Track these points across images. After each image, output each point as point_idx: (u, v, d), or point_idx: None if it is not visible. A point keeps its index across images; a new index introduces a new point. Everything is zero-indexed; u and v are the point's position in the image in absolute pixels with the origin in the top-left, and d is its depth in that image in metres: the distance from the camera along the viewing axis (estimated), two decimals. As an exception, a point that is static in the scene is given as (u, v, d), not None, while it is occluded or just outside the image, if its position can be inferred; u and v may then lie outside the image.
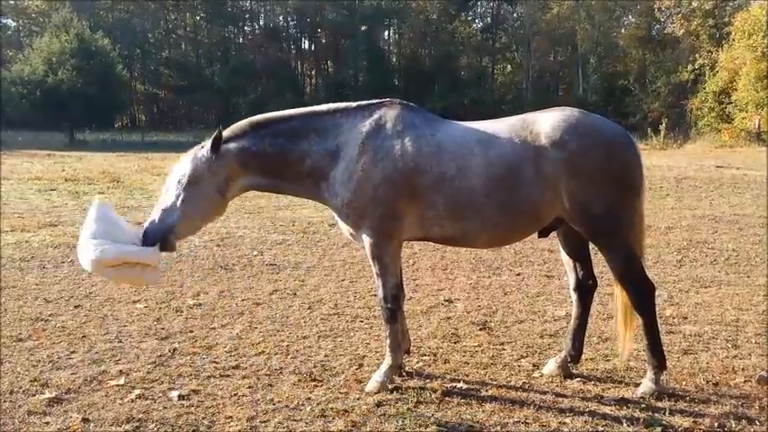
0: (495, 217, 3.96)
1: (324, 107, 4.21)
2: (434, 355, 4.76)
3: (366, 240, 4.07)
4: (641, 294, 4.03)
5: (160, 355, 4.69)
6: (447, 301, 6.16)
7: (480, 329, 5.30)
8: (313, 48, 58.28)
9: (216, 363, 4.58)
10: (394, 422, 3.71)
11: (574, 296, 4.39)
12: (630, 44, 49.65)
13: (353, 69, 53.82)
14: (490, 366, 4.53)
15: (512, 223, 4.03)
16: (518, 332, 5.23)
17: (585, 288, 4.36)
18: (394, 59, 56.52)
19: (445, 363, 4.56)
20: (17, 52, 43.33)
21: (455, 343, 5.00)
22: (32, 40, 43.09)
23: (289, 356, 4.71)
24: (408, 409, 3.89)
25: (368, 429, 3.63)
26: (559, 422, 3.71)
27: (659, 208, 11.86)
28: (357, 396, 4.06)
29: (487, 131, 4.04)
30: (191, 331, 5.22)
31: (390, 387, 4.11)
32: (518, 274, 7.12)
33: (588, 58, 49.63)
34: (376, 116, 4.08)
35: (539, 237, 4.31)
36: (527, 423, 3.70)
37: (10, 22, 54.18)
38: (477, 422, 3.71)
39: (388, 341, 4.21)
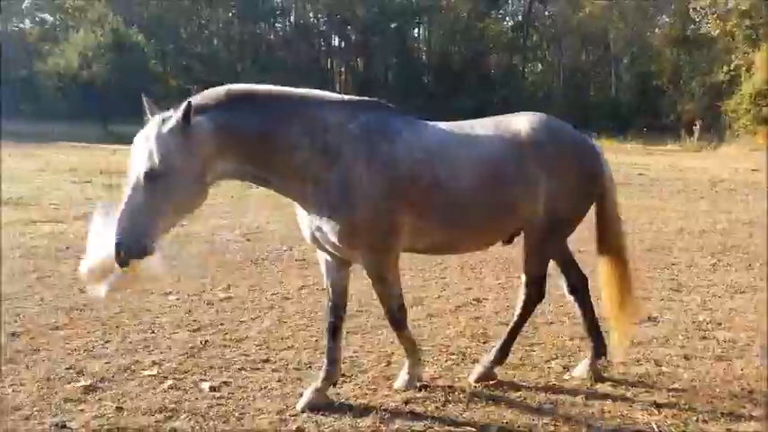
0: (482, 219, 3.91)
1: (307, 93, 3.69)
2: (463, 355, 4.75)
3: (365, 259, 3.75)
4: (536, 299, 4.26)
5: (192, 347, 4.76)
6: (475, 300, 6.13)
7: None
8: (343, 45, 58.39)
9: (246, 355, 4.63)
10: (422, 421, 3.72)
11: (571, 298, 4.45)
12: (664, 44, 48.79)
13: (383, 67, 53.83)
14: (519, 367, 4.51)
15: (496, 225, 4.02)
16: (547, 334, 5.19)
17: (579, 287, 4.42)
18: (424, 57, 56.37)
19: (474, 362, 4.54)
20: (53, 46, 44.13)
21: (484, 343, 4.98)
22: (68, 35, 43.90)
23: (317, 352, 4.74)
24: (437, 407, 3.89)
25: (396, 427, 3.64)
26: (589, 425, 3.67)
27: (693, 211, 11.67)
28: (385, 393, 4.08)
29: (466, 132, 3.98)
30: (221, 324, 5.28)
31: (418, 385, 4.10)
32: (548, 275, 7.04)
33: (621, 58, 48.95)
34: (363, 118, 3.67)
35: (504, 244, 4.31)
36: (556, 425, 3.68)
37: (47, 17, 55.26)
38: (506, 423, 3.70)
39: (406, 346, 4.11)
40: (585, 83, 53.76)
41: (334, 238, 3.63)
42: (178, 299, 5.94)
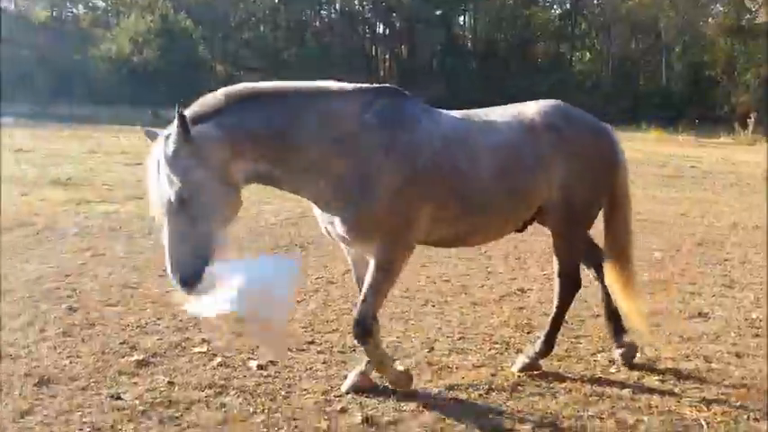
0: (500, 207, 3.83)
1: (320, 83, 3.53)
2: (507, 344, 4.73)
3: (379, 251, 3.55)
4: (571, 288, 4.24)
5: (239, 327, 4.85)
6: (520, 290, 6.09)
7: (554, 321, 5.22)
8: (387, 32, 58.22)
9: (291, 337, 4.71)
10: (464, 407, 3.73)
11: (600, 285, 4.48)
12: (718, 33, 47.22)
13: (428, 54, 53.48)
14: (565, 359, 4.47)
15: (514, 212, 3.95)
16: (594, 326, 5.13)
17: (599, 266, 4.41)
18: (469, 45, 55.81)
19: (518, 352, 4.52)
20: (105, 31, 45.18)
21: (528, 333, 4.96)
22: (120, 20, 44.90)
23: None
24: (479, 395, 3.90)
25: (438, 412, 3.66)
26: (636, 419, 3.63)
27: (747, 205, 11.33)
28: (428, 379, 4.10)
29: (482, 119, 3.92)
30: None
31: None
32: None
33: (672, 47, 47.59)
34: (379, 107, 3.51)
35: (517, 231, 4.26)
36: (602, 418, 3.65)
37: (99, 3, 56.55)
38: (550, 413, 3.68)
39: (371, 362, 3.82)
40: (635, 72, 52.43)
41: (348, 231, 3.49)
42: (226, 280, 6.06)
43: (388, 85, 3.70)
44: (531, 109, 4.01)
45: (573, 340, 4.81)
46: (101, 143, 18.84)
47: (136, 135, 22.37)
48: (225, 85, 3.37)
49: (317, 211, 3.71)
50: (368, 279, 3.61)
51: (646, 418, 3.64)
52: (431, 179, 3.54)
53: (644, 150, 21.24)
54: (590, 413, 3.69)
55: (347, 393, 3.84)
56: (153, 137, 3.22)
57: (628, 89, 46.51)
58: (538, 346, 4.26)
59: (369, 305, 3.60)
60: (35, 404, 3.59)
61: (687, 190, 13.03)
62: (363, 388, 3.89)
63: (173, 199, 3.04)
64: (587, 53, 56.01)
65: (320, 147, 3.35)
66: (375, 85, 3.63)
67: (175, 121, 3.03)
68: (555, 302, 4.27)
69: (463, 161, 3.66)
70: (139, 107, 34.54)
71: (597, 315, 5.39)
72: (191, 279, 3.09)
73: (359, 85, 3.56)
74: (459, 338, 4.81)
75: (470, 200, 3.70)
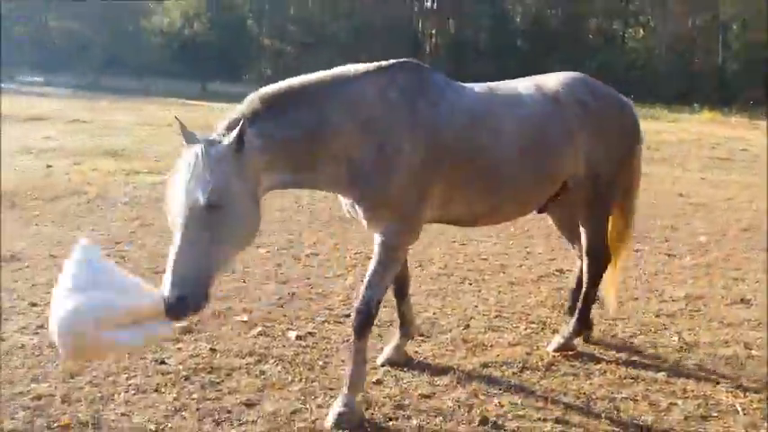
0: (527, 184, 3.72)
1: (338, 70, 3.33)
2: (543, 324, 4.75)
3: (389, 230, 3.35)
4: (600, 265, 4.20)
5: (279, 298, 4.99)
6: (558, 271, 6.07)
7: (592, 302, 5.20)
8: (435, 6, 57.48)
9: (330, 309, 4.82)
10: (498, 384, 3.78)
11: (580, 263, 4.41)
12: (781, 11, 45.11)
13: (475, 29, 52.65)
14: (600, 341, 4.46)
15: (539, 190, 3.85)
16: (632, 309, 5.09)
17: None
18: (518, 20, 54.68)
19: (554, 332, 4.53)
20: (157, 5, 45.80)
21: (564, 314, 4.95)
22: (171, -7, 45.46)
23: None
24: (513, 372, 3.94)
25: (472, 387, 3.72)
26: (670, 403, 3.62)
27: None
28: (463, 355, 4.16)
29: (507, 93, 3.80)
30: (307, 278, 5.49)
31: (354, 420, 3.27)
32: (636, 250, 6.85)
33: (730, 26, 45.69)
34: (402, 82, 3.36)
35: (538, 212, 4.22)
36: (635, 400, 3.65)
37: (152, -25, 57.30)
38: (583, 394, 3.70)
39: (351, 365, 3.38)
40: (690, 51, 50.64)
41: (365, 211, 3.35)
42: (268, 251, 6.21)
43: (407, 59, 3.51)
44: (555, 81, 3.93)
45: (610, 322, 4.79)
46: (152, 115, 19.28)
47: (185, 108, 22.83)
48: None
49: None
50: (373, 264, 3.40)
51: (680, 402, 3.62)
52: (455, 155, 3.41)
53: (695, 131, 20.65)
54: (623, 395, 3.69)
55: (382, 366, 3.93)
56: (190, 138, 2.88)
57: (681, 68, 44.91)
58: (572, 325, 4.27)
59: (374, 292, 3.37)
60: (84, 366, 3.77)
61: (736, 173, 12.65)
62: (398, 362, 3.97)
63: (198, 206, 2.68)
64: (641, 30, 54.29)
65: (345, 136, 3.17)
66: (393, 60, 3.44)
67: (236, 130, 2.78)
68: (585, 280, 4.25)
69: (488, 138, 3.54)
70: (189, 80, 35.16)
71: (636, 298, 5.36)
72: (192, 302, 2.70)
73: (378, 63, 3.40)
74: (496, 317, 4.84)
75: (495, 177, 3.58)
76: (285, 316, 4.63)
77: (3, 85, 28.06)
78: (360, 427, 3.24)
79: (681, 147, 16.71)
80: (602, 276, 4.25)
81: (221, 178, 2.75)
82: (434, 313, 4.87)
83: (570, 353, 4.19)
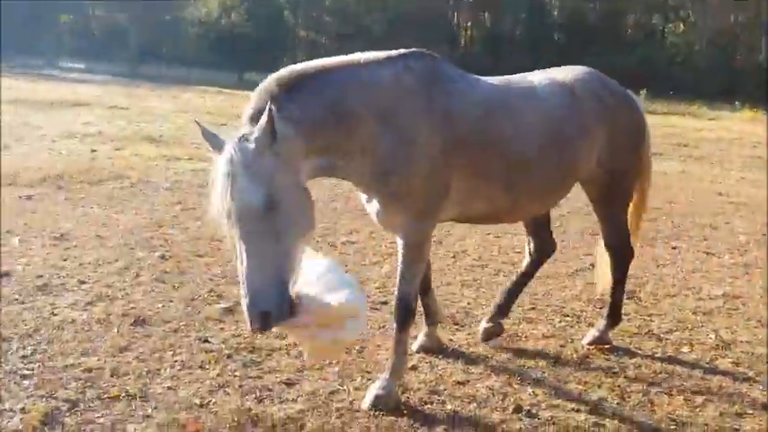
0: (546, 180, 3.67)
1: (356, 57, 3.22)
2: (577, 318, 4.77)
3: (409, 226, 3.31)
4: (625, 257, 4.22)
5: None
6: (593, 266, 6.03)
7: (628, 298, 5.15)
8: (471, -1, 57.03)
9: (367, 296, 4.89)
10: (532, 373, 3.83)
11: (527, 260, 4.35)
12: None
13: (512, 22, 52.16)
14: (636, 336, 4.47)
15: (558, 185, 3.80)
16: (669, 306, 5.07)
17: (545, 254, 4.35)
18: (555, 13, 54.00)
19: (589, 326, 4.55)
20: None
21: (600, 308, 4.94)
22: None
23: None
24: (547, 363, 3.98)
25: (507, 377, 3.77)
26: (705, 399, 3.63)
27: None
28: (497, 345, 4.20)
29: (522, 85, 3.75)
30: (344, 266, 5.56)
31: (391, 403, 3.34)
32: (674, 248, 6.81)
33: (776, 22, 44.46)
34: (418, 70, 3.28)
35: None
36: (671, 395, 3.66)
37: (191, -35, 57.93)
38: (617, 386, 3.72)
39: (392, 353, 3.44)
40: (732, 46, 49.47)
41: (383, 207, 3.28)
42: (305, 239, 6.31)
43: (418, 49, 3.41)
44: (569, 76, 3.90)
45: (646, 318, 4.79)
46: (189, 103, 19.61)
47: (221, 96, 23.15)
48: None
49: (362, 196, 3.50)
50: (401, 262, 3.40)
51: (715, 399, 3.62)
52: (472, 147, 3.34)
53: (735, 130, 20.22)
54: (658, 389, 3.70)
55: (417, 352, 4.00)
56: (214, 142, 2.77)
57: (722, 65, 43.86)
58: (605, 319, 4.28)
59: (409, 286, 3.40)
60: (132, 341, 3.92)
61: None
62: (432, 348, 4.03)
63: (257, 208, 2.60)
64: (681, 25, 53.19)
65: (366, 124, 3.09)
66: (404, 50, 3.36)
67: (264, 118, 2.66)
68: (612, 274, 4.25)
69: (507, 130, 3.48)
70: (226, 70, 35.54)
71: (673, 295, 5.34)
72: (276, 314, 2.64)
73: (387, 52, 3.30)
74: (530, 309, 4.88)
75: (515, 170, 3.50)
76: (323, 301, 4.72)
77: (46, 71, 28.78)
78: (396, 410, 3.32)
79: (720, 145, 16.39)
80: (627, 270, 4.26)
81: (267, 174, 2.64)
82: (468, 303, 4.92)
83: (605, 347, 4.21)
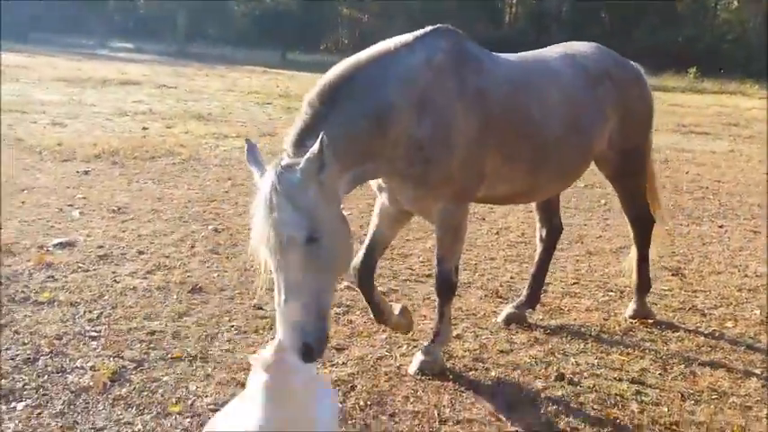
0: (569, 160, 3.63)
1: (380, 47, 3.14)
2: (621, 293, 4.81)
3: (445, 211, 3.28)
4: (646, 229, 4.29)
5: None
6: (638, 243, 6.06)
7: (673, 275, 5.21)
8: (516, -25, 55.97)
9: (411, 269, 5.03)
10: (576, 343, 3.92)
11: (540, 247, 4.37)
12: None
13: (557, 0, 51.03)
14: (679, 310, 4.51)
15: (577, 166, 3.76)
16: (714, 282, 5.07)
17: (556, 237, 4.40)
18: (603, -10, 52.57)
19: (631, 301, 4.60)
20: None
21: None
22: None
23: (476, 274, 5.03)
24: (590, 335, 4.05)
25: (550, 347, 3.86)
26: (747, 370, 3.67)
27: None
28: (540, 317, 4.29)
29: (540, 62, 3.69)
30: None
31: (436, 368, 3.46)
32: (720, 226, 6.75)
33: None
34: (444, 49, 3.19)
35: None
36: (713, 366, 3.70)
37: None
38: (660, 358, 3.78)
39: (438, 323, 3.52)
40: (788, 23, 47.44)
41: (420, 193, 3.20)
42: (350, 214, 6.46)
43: (442, 25, 3.31)
44: (581, 52, 3.86)
45: (690, 294, 4.80)
46: (235, 82, 19.91)
47: (266, 76, 23.44)
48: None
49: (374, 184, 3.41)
50: (440, 245, 3.40)
51: (758, 371, 3.66)
52: (502, 126, 3.28)
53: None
54: (701, 361, 3.75)
55: (507, 324, 4.12)
56: (259, 165, 2.73)
57: (777, 42, 42.25)
58: (636, 291, 4.35)
59: (448, 264, 3.40)
60: (190, 308, 4.14)
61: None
62: (518, 321, 4.15)
63: (299, 242, 2.48)
64: (734, 1, 51.28)
65: (405, 114, 3.02)
66: (429, 28, 3.26)
67: (315, 148, 2.51)
68: (635, 245, 4.35)
69: (535, 109, 3.43)
70: (270, 49, 35.87)
71: (719, 272, 5.33)
72: (317, 347, 2.50)
73: (414, 33, 3.21)
74: (573, 283, 4.94)
75: (542, 151, 3.45)
76: (369, 273, 4.87)
77: (95, 50, 29.51)
78: (441, 375, 3.45)
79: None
80: (650, 239, 4.34)
81: (312, 207, 2.52)
82: (512, 277, 5.01)
83: (649, 321, 4.25)
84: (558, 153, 3.53)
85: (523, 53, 3.83)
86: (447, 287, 3.46)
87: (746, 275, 5.27)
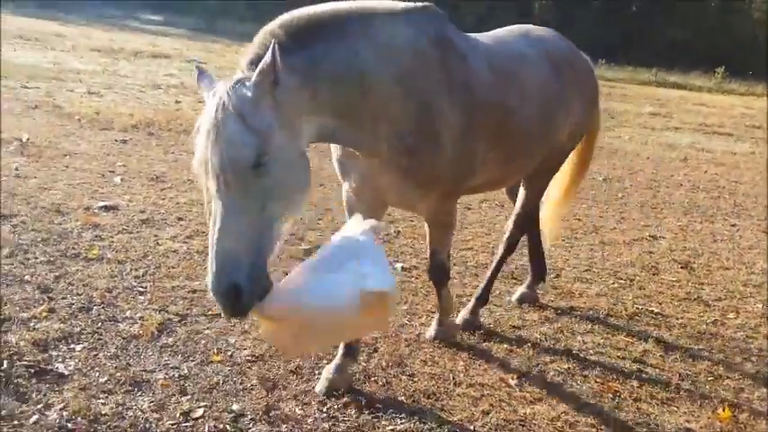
0: (537, 149, 3.56)
1: (370, 5, 2.80)
2: (630, 281, 5.06)
3: (438, 204, 3.15)
4: (522, 232, 4.28)
5: (387, 234, 5.54)
6: (651, 237, 6.29)
7: (681, 267, 5.45)
8: (548, -36, 55.45)
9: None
10: (583, 326, 4.18)
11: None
12: None
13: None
14: (685, 301, 4.75)
15: (540, 156, 3.65)
16: (721, 277, 5.31)
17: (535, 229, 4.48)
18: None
19: (640, 289, 4.86)
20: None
21: (653, 275, 5.23)
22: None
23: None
24: (598, 318, 4.32)
25: (559, 325, 4.15)
26: (744, 358, 3.92)
27: None
28: (551, 299, 4.56)
29: (514, 47, 3.48)
30: (411, 220, 6.00)
31: (450, 335, 3.80)
32: (733, 225, 6.96)
33: None
34: (432, 32, 2.89)
35: None
36: (712, 352, 3.96)
37: None
38: (663, 342, 4.04)
39: (440, 300, 3.72)
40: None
41: (409, 189, 3.00)
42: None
43: (428, 3, 2.99)
44: (543, 38, 3.74)
45: (697, 286, 5.05)
46: (262, 60, 20.13)
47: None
48: None
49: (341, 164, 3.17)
50: (432, 239, 3.39)
51: (754, 359, 3.91)
52: (486, 119, 3.07)
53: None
54: (701, 347, 4.02)
55: (520, 304, 4.41)
56: (208, 81, 2.40)
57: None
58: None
59: (441, 254, 3.43)
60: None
61: None
62: (531, 299, 4.46)
63: (245, 163, 2.16)
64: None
65: (381, 86, 2.69)
66: (418, 3, 2.95)
67: (267, 59, 2.21)
68: (501, 246, 4.29)
69: (515, 96, 3.26)
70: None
71: (726, 268, 5.55)
72: (251, 286, 2.21)
73: (403, 5, 2.87)
74: (585, 270, 5.20)
75: (519, 142, 3.36)
76: (392, 250, 5.17)
77: (127, 22, 29.91)
78: (456, 344, 3.75)
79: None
80: (517, 242, 4.29)
81: (262, 126, 2.21)
82: (526, 261, 5.26)
83: (654, 311, 4.50)
84: (530, 142, 3.46)
85: (490, 34, 3.60)
86: (442, 273, 3.55)
87: (753, 272, 5.49)
